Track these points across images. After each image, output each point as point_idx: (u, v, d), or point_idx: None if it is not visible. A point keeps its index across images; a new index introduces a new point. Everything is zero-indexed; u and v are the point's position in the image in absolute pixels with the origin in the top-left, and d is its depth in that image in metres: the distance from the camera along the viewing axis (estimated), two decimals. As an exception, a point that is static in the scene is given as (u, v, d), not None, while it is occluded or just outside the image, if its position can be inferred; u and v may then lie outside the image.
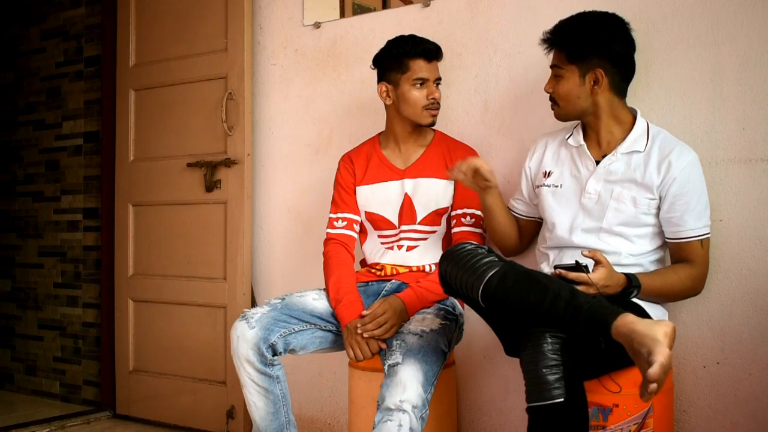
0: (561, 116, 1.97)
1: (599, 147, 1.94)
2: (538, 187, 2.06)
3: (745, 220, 1.97)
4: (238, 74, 2.87)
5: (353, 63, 2.67)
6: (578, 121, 2.00)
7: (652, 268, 1.91)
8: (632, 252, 1.89)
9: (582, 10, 1.95)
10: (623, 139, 1.91)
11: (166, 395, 3.07)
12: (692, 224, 1.85)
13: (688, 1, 2.05)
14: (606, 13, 1.92)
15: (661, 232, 1.90)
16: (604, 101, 1.90)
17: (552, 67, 1.95)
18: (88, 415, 3.24)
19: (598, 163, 1.93)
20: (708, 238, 1.88)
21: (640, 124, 1.92)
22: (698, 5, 2.03)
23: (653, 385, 1.35)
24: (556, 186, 2.00)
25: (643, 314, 1.72)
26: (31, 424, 3.11)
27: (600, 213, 1.90)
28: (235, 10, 2.88)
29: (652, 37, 2.09)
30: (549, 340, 1.53)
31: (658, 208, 1.87)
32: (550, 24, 2.23)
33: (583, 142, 1.96)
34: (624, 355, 1.47)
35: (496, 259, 1.67)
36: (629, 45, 1.91)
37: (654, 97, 2.09)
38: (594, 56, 1.87)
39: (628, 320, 1.46)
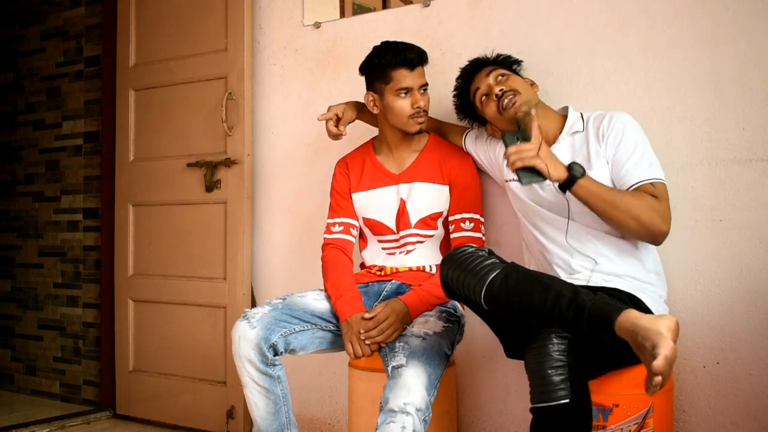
0: (522, 104, 1.95)
1: (545, 140, 1.96)
2: (508, 181, 2.07)
3: (745, 220, 1.97)
4: (238, 74, 2.87)
5: (353, 63, 2.66)
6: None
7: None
8: (606, 228, 1.87)
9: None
10: (561, 128, 1.98)
11: (166, 395, 3.07)
12: (636, 171, 1.84)
13: (688, 1, 2.05)
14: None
15: None
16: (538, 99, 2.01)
17: (492, 73, 2.03)
18: (88, 415, 3.24)
19: None
20: (660, 182, 1.84)
21: (573, 113, 2.01)
22: (698, 5, 2.03)
23: (658, 378, 1.37)
24: None
25: (645, 311, 1.73)
26: (31, 424, 3.11)
27: (562, 199, 1.91)
28: (235, 10, 2.88)
29: (652, 37, 2.09)
30: (554, 340, 1.53)
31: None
32: (550, 24, 2.24)
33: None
34: (629, 353, 1.47)
35: (498, 261, 1.67)
36: None
37: (654, 97, 2.09)
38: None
39: (631, 316, 1.47)
